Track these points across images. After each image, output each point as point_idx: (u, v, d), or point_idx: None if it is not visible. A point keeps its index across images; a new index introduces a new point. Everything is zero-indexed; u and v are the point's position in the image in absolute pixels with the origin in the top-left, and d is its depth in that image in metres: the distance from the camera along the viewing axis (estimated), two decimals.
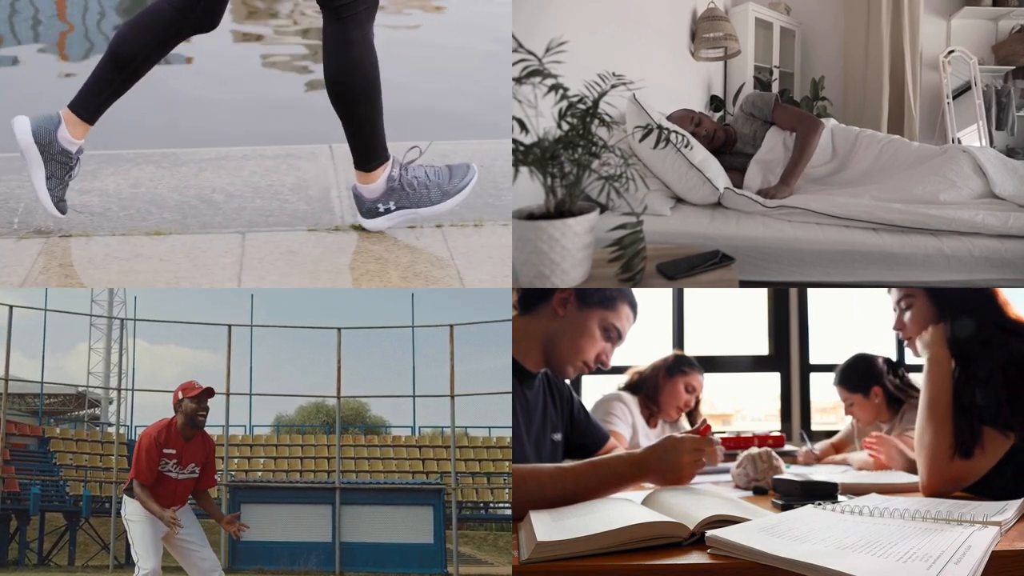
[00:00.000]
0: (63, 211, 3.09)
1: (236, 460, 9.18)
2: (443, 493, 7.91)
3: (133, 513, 3.10)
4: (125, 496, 3.15)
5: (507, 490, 8.66)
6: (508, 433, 9.25)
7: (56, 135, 3.01)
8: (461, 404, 7.41)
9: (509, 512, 8.41)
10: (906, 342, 2.41)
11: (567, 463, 2.12)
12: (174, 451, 3.07)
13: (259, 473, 9.25)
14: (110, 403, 11.94)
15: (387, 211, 3.14)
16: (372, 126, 3.05)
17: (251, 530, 3.45)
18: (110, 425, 11.29)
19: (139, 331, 8.77)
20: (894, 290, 2.47)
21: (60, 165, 3.04)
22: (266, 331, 8.30)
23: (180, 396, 3.11)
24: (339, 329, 7.51)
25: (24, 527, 8.23)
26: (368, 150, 3.08)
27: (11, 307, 7.01)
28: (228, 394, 7.63)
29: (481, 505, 9.14)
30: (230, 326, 7.80)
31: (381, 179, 3.11)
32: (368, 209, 3.15)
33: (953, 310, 2.29)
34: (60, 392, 11.75)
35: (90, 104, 3.01)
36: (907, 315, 2.39)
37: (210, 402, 3.16)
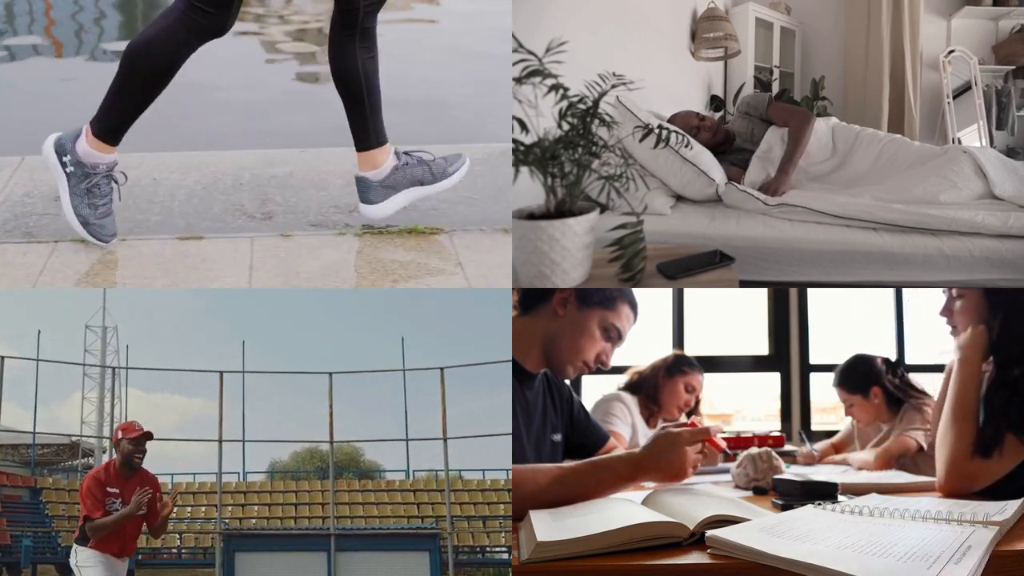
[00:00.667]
0: (95, 235, 3.02)
1: (230, 508, 9.04)
2: (439, 538, 7.85)
3: (85, 560, 3.07)
4: (76, 545, 3.11)
5: (504, 534, 8.61)
6: (504, 476, 9.25)
7: (73, 146, 2.97)
8: (455, 447, 7.38)
9: (507, 556, 8.38)
10: (952, 331, 2.38)
11: (567, 463, 2.11)
12: (117, 490, 3.07)
13: (253, 521, 9.16)
14: (103, 452, 11.92)
15: (398, 189, 3.15)
16: (375, 107, 3.08)
17: None
18: None
19: (132, 380, 8.76)
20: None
21: (77, 179, 2.98)
22: (258, 377, 8.29)
23: (119, 436, 3.12)
24: (330, 374, 7.50)
25: None
26: (374, 128, 3.10)
27: (3, 358, 6.98)
28: (221, 441, 7.58)
29: (478, 549, 9.08)
30: (221, 372, 7.78)
31: (388, 160, 3.14)
32: (378, 192, 3.14)
33: (1004, 311, 2.27)
34: (53, 442, 11.73)
35: (108, 126, 2.96)
36: (957, 304, 2.35)
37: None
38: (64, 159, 2.98)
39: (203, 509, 8.95)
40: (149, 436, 3.13)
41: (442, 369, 7.09)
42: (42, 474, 9.95)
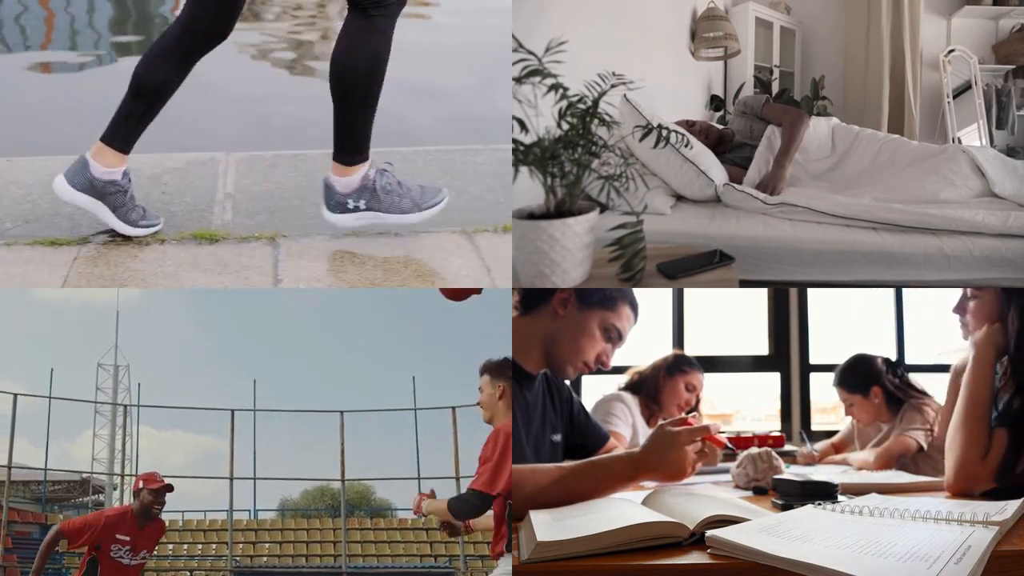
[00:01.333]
0: (151, 224, 3.13)
1: (241, 546, 9.05)
2: None
3: None
4: None
5: None
6: None
7: (91, 175, 3.02)
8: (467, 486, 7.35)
9: None
10: (963, 328, 2.37)
11: (567, 463, 2.11)
12: (128, 538, 3.12)
13: (264, 559, 9.14)
14: (114, 489, 11.93)
15: (356, 209, 3.09)
16: (364, 118, 3.02)
17: None
18: None
19: (144, 417, 8.78)
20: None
21: (113, 196, 3.05)
22: (269, 415, 8.28)
23: (140, 485, 3.19)
24: (342, 412, 7.50)
25: None
26: (354, 142, 3.04)
27: (15, 395, 7.03)
28: (232, 478, 7.57)
29: None
30: (233, 411, 7.80)
31: (358, 175, 3.07)
32: (337, 203, 3.08)
33: (1020, 309, 2.27)
34: (64, 479, 11.76)
35: (120, 136, 3.02)
36: (971, 304, 2.34)
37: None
38: (97, 189, 3.03)
39: (214, 547, 8.96)
40: (170, 488, 3.20)
41: (454, 408, 7.09)
42: (52, 511, 9.96)
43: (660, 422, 2.13)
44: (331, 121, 3.04)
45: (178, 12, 3.02)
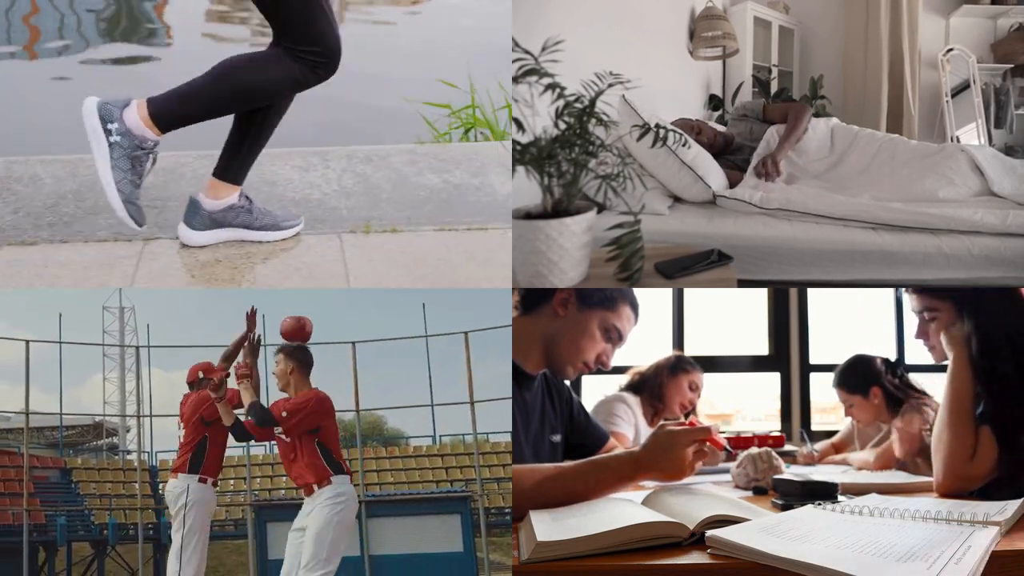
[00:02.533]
0: (133, 215, 2.92)
1: (258, 480, 9.14)
2: (469, 501, 7.87)
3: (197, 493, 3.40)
4: (181, 477, 3.41)
5: None
6: None
7: (122, 115, 2.83)
8: (480, 410, 7.38)
9: None
10: (930, 351, 2.38)
11: (567, 463, 2.11)
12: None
13: (282, 491, 9.21)
14: (127, 431, 11.98)
15: (216, 227, 3.08)
16: (259, 149, 3.05)
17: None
18: (129, 453, 11.31)
19: (153, 358, 8.77)
20: (913, 296, 2.43)
21: (122, 150, 2.84)
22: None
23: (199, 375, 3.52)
24: (353, 343, 7.50)
25: (52, 558, 8.24)
26: (239, 167, 3.06)
27: (27, 342, 7.06)
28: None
29: (507, 510, 9.14)
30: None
31: (228, 200, 3.07)
32: (200, 220, 3.05)
33: (976, 310, 2.26)
34: (77, 423, 11.81)
35: (167, 110, 2.88)
36: (931, 327, 2.35)
37: None
38: (109, 127, 2.83)
39: (231, 482, 9.05)
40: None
41: (466, 333, 7.08)
42: (69, 455, 10.06)
43: (662, 423, 2.13)
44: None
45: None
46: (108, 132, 2.83)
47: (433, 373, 8.16)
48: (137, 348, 9.48)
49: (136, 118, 2.84)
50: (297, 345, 3.03)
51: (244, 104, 2.93)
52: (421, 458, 9.73)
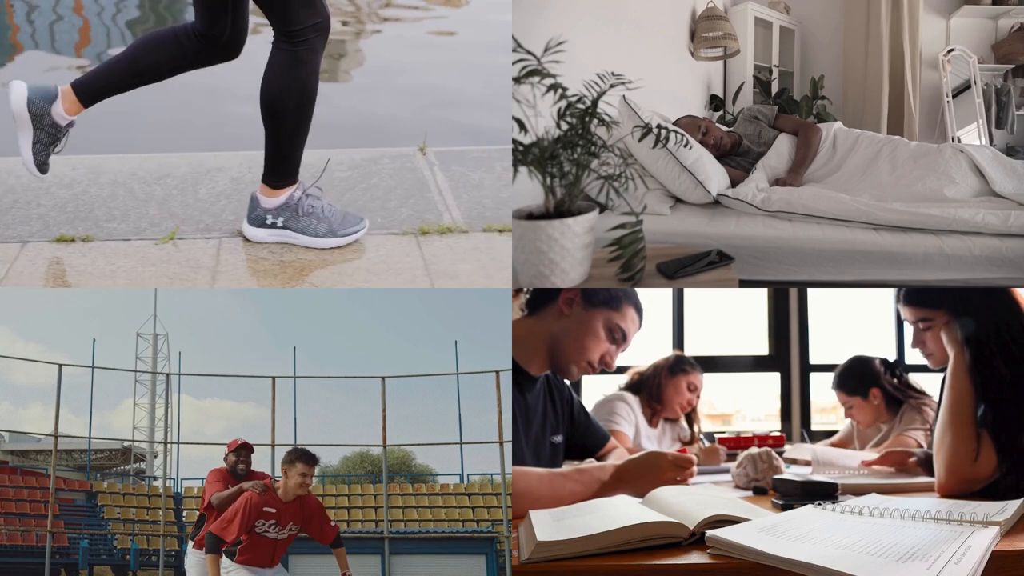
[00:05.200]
0: (44, 172, 3.20)
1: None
2: (495, 541, 7.85)
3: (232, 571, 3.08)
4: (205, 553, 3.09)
5: None
6: None
7: (50, 109, 3.10)
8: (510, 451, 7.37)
9: None
10: (928, 358, 2.38)
11: (565, 467, 2.14)
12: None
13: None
14: (155, 457, 12.01)
15: (273, 225, 3.19)
16: (294, 147, 3.12)
17: None
18: (155, 479, 11.37)
19: (184, 386, 8.79)
20: (905, 308, 2.43)
21: (48, 135, 3.13)
22: (309, 382, 8.31)
23: (226, 452, 3.43)
24: (383, 378, 7.51)
25: None
26: (282, 169, 3.14)
27: (60, 365, 7.11)
28: (273, 446, 7.58)
29: None
30: (274, 378, 7.79)
31: (283, 196, 3.17)
32: (257, 216, 3.19)
33: (968, 313, 2.26)
34: (106, 448, 11.85)
35: (91, 91, 3.11)
36: (927, 335, 2.35)
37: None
38: (43, 120, 3.11)
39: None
40: (249, 448, 3.42)
41: (497, 372, 7.10)
42: (96, 479, 10.08)
43: (659, 450, 2.22)
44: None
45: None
46: (40, 125, 3.12)
47: (463, 410, 8.17)
48: (167, 375, 9.52)
49: (60, 109, 3.11)
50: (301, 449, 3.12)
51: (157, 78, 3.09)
52: (448, 496, 9.58)
